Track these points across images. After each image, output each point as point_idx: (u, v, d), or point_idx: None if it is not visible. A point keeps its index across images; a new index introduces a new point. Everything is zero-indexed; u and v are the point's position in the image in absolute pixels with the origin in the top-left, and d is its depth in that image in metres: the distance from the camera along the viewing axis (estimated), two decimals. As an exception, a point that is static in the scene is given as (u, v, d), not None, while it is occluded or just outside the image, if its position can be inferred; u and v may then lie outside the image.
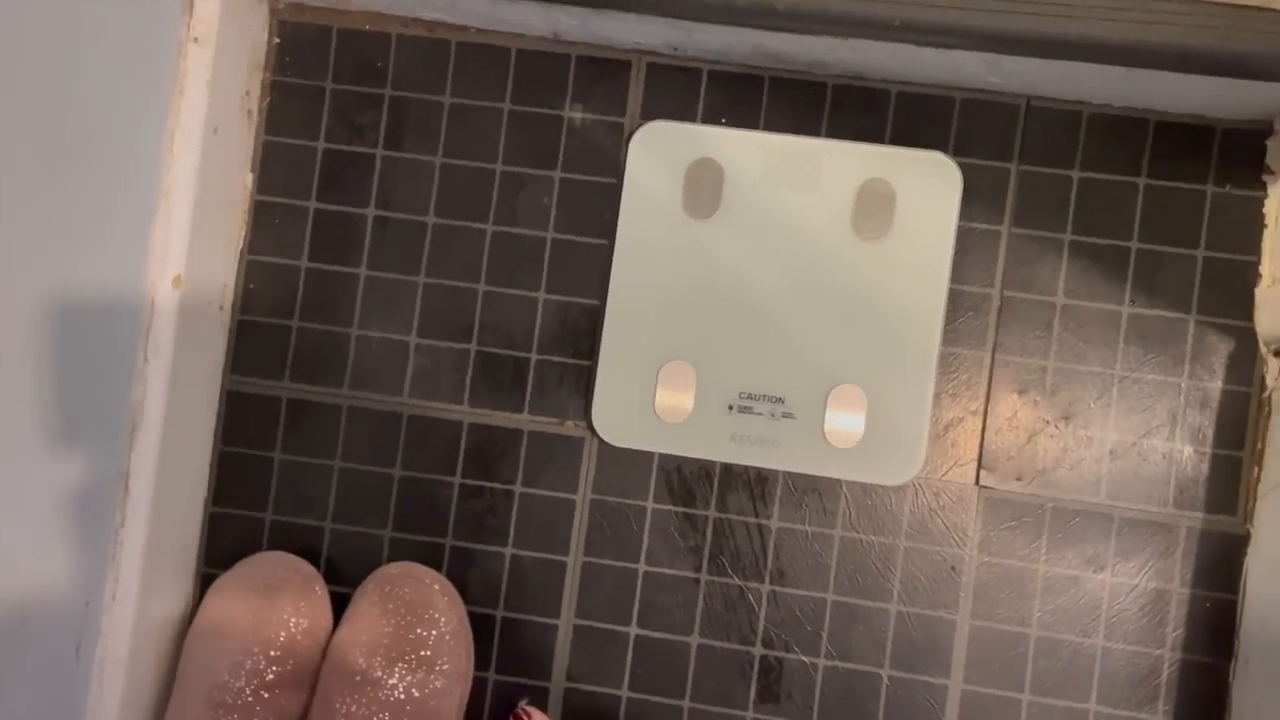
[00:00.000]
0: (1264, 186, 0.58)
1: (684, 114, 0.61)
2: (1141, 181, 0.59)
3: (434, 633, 0.56)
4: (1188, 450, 0.58)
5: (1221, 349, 0.58)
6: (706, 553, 0.60)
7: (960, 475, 0.59)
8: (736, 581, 0.60)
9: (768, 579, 0.60)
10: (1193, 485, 0.58)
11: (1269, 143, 0.58)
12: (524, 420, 0.62)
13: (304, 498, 0.62)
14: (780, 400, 0.59)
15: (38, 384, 0.49)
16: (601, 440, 0.60)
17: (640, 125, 0.61)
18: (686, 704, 0.60)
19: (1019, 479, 0.59)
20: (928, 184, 0.59)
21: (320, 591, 0.58)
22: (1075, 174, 0.59)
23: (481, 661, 0.61)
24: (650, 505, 0.61)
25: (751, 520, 0.60)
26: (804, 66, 0.60)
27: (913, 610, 0.59)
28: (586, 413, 0.61)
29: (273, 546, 0.62)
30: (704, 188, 0.60)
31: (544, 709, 0.60)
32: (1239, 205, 0.59)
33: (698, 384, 0.60)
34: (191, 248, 0.57)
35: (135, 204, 0.55)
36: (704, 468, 0.61)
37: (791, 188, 0.59)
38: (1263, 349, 0.58)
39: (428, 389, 0.62)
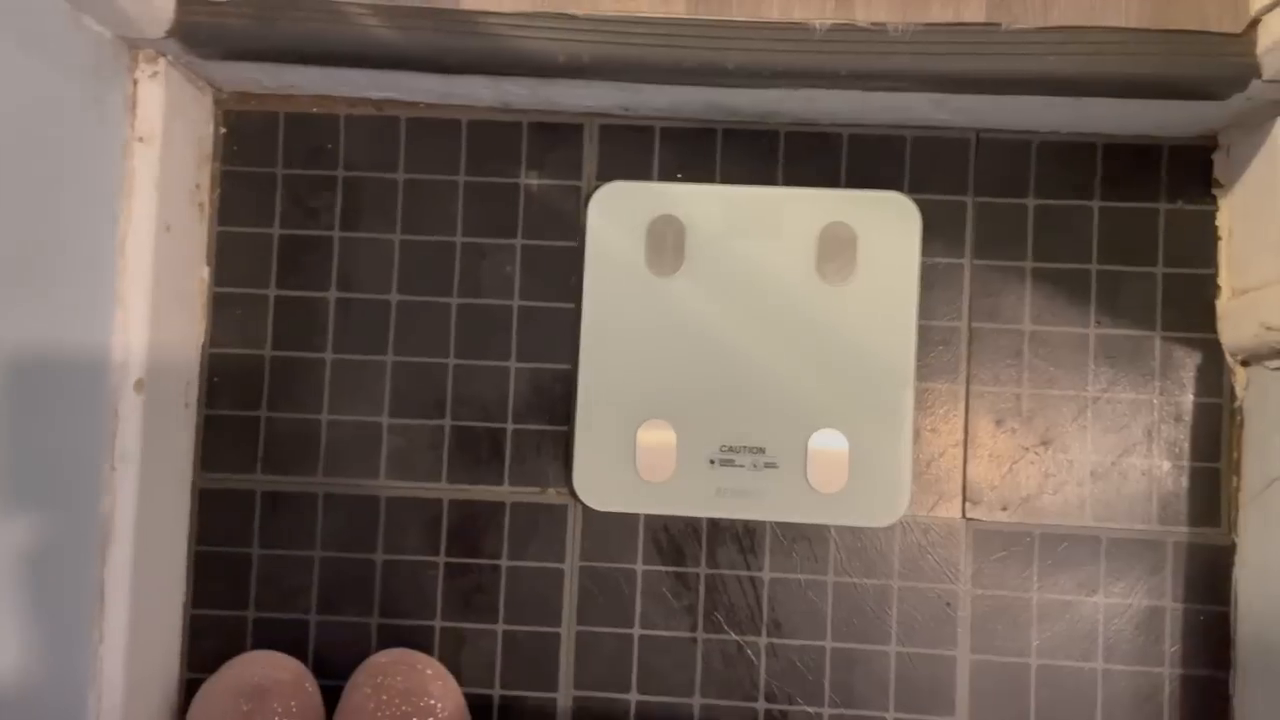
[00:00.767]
0: (1214, 200, 0.59)
1: (640, 172, 0.61)
2: (1095, 204, 0.60)
3: (432, 721, 0.54)
4: (1166, 465, 0.59)
5: (1189, 363, 0.59)
6: (701, 610, 0.60)
7: (947, 510, 0.59)
8: (734, 637, 0.60)
9: (764, 631, 0.60)
10: (1175, 500, 0.59)
11: (1215, 156, 0.59)
12: (505, 492, 0.61)
13: (285, 591, 0.61)
14: (761, 450, 0.59)
15: (3, 503, 0.48)
16: (585, 505, 0.60)
17: (597, 187, 0.61)
18: (694, 766, 0.59)
19: (1004, 508, 0.59)
20: (887, 223, 0.59)
21: (310, 688, 0.57)
22: (1030, 201, 0.60)
23: (482, 743, 0.60)
24: (640, 567, 0.60)
25: (743, 573, 0.60)
26: (756, 117, 0.60)
27: (912, 650, 0.59)
28: (568, 479, 0.60)
29: (257, 645, 0.60)
30: (666, 244, 0.60)
31: (550, 786, 0.59)
32: (1192, 220, 0.59)
33: (677, 441, 0.59)
34: (151, 349, 0.55)
35: (91, 313, 0.53)
36: (691, 525, 0.60)
37: (753, 238, 0.60)
38: (1229, 360, 0.59)
39: (404, 469, 0.61)
